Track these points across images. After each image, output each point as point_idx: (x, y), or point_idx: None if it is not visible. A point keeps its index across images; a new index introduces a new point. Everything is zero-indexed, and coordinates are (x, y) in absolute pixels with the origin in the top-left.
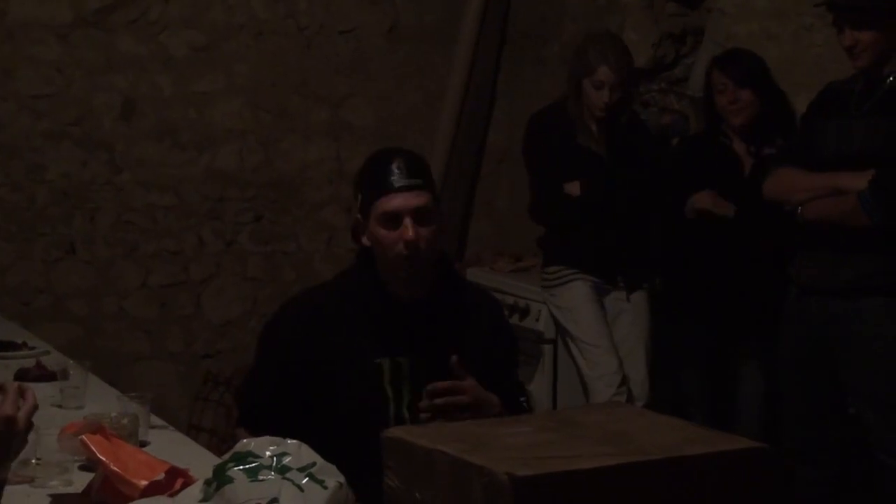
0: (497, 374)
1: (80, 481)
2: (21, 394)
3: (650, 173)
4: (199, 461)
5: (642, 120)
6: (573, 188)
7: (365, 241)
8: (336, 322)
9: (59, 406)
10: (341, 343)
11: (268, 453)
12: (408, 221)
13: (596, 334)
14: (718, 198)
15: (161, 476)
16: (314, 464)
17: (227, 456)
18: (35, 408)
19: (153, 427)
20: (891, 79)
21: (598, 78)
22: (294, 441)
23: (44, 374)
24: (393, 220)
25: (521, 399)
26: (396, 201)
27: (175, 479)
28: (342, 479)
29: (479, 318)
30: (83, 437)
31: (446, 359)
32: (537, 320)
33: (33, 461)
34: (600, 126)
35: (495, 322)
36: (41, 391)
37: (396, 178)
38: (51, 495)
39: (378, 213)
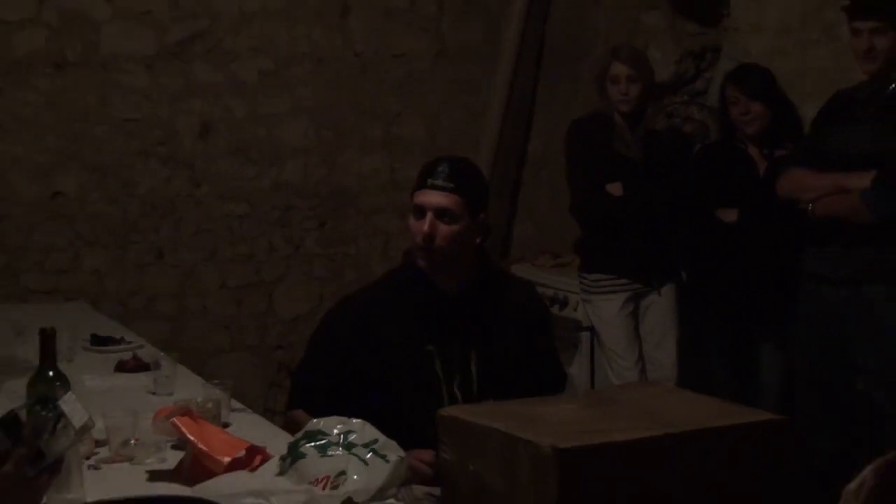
0: (535, 356)
1: (173, 459)
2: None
3: (682, 177)
4: (275, 440)
5: (683, 133)
6: (615, 188)
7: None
8: (386, 315)
9: (153, 393)
10: (392, 334)
11: (335, 431)
12: (429, 216)
13: (624, 351)
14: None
15: (242, 453)
16: (377, 440)
17: (299, 434)
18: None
19: (234, 410)
20: (894, 85)
21: (612, 73)
22: (358, 420)
23: (139, 365)
24: (420, 212)
25: (558, 377)
26: (424, 197)
27: (254, 455)
28: (402, 453)
29: (517, 307)
30: (174, 419)
31: (488, 344)
32: (575, 310)
33: (132, 442)
34: (633, 130)
35: (532, 311)
36: (138, 380)
37: (433, 179)
38: (148, 472)
39: (412, 205)
